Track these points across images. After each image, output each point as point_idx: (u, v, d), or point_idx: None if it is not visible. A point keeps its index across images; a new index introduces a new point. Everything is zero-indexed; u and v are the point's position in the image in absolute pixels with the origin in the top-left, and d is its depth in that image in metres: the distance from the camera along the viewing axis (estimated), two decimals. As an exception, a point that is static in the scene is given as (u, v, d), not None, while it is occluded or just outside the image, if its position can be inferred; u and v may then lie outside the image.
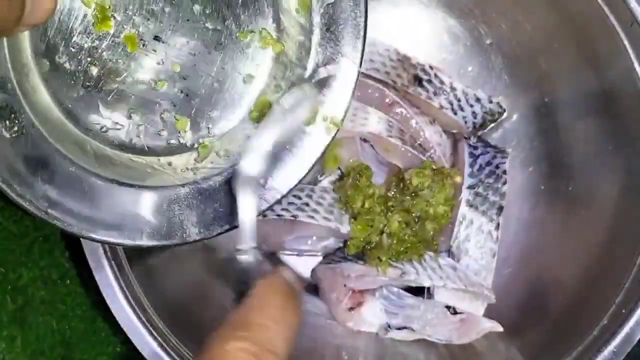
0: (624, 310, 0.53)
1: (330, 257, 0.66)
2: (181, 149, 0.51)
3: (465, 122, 0.66)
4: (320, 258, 0.68)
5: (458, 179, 0.64)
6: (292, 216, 0.62)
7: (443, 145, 0.66)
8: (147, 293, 0.54)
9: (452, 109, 0.66)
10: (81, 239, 0.52)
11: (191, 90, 0.50)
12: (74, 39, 0.47)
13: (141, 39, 0.48)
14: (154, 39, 0.49)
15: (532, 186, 0.67)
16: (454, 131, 0.68)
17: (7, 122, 0.45)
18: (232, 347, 0.33)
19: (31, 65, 0.46)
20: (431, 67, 0.66)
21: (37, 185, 0.46)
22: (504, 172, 0.65)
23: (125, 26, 0.48)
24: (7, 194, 0.45)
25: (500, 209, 0.64)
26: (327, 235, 0.65)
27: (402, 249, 0.61)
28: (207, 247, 0.65)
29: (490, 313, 0.64)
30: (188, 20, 0.49)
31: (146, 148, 0.50)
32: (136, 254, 0.56)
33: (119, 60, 0.48)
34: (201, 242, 0.64)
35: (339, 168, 0.66)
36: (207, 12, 0.49)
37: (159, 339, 0.52)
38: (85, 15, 0.47)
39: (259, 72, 0.51)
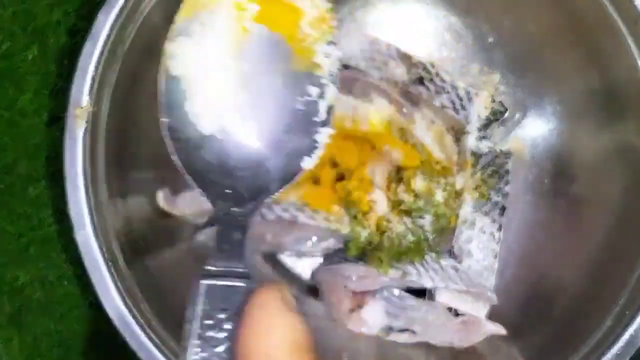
0: (627, 312, 0.53)
1: (331, 258, 0.65)
2: None
3: (467, 122, 0.66)
4: (321, 259, 0.67)
5: (459, 180, 0.63)
6: (292, 217, 0.61)
7: (444, 144, 0.66)
8: (145, 295, 0.54)
9: (454, 108, 0.65)
10: (76, 240, 0.51)
11: None
12: None
13: None
14: None
15: (535, 186, 0.67)
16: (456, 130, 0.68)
17: None
18: None
19: None
20: (432, 66, 0.66)
21: None
22: (507, 172, 0.65)
23: None
24: None
25: (503, 209, 0.63)
26: (328, 236, 0.64)
27: (403, 249, 0.61)
28: (206, 249, 0.65)
29: (492, 315, 0.63)
30: None
31: None
32: (134, 256, 0.56)
33: None
34: (200, 244, 0.64)
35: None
36: None
37: (157, 341, 0.52)
38: None
39: None
